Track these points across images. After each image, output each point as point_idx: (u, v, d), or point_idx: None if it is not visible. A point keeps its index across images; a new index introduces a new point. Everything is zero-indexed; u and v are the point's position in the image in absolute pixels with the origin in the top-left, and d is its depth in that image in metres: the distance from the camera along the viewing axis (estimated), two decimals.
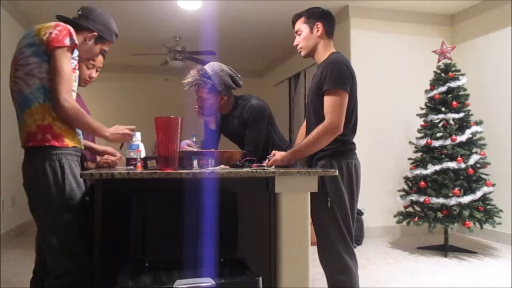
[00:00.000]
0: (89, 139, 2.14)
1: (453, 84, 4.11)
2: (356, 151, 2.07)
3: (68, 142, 1.67)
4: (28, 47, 1.66)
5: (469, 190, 3.90)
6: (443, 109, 4.19)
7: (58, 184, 1.62)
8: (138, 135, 2.14)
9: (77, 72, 1.79)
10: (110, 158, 2.07)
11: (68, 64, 1.67)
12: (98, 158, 2.15)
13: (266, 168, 1.93)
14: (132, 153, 2.05)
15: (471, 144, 4.02)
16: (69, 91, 1.65)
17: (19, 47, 1.70)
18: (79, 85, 2.06)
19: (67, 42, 1.65)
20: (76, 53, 1.75)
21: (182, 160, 1.83)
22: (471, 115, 4.11)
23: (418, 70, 4.90)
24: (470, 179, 3.94)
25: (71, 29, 1.70)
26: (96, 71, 2.13)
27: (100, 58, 2.08)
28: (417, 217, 4.04)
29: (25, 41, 1.68)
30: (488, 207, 3.91)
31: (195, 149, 2.35)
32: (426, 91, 4.32)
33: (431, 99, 4.25)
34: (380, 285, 3.11)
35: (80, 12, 1.87)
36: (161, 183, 1.66)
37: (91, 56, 1.92)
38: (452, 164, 3.90)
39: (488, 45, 4.73)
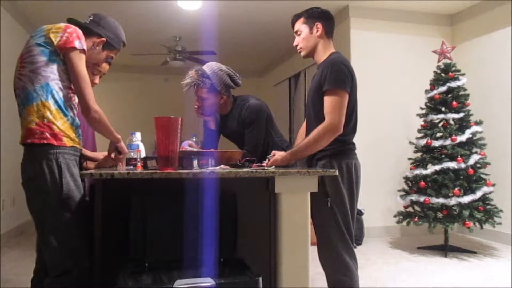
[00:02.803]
0: (88, 148, 2.14)
1: (453, 84, 4.11)
2: (356, 151, 2.07)
3: (67, 141, 1.67)
4: (36, 46, 1.68)
5: (469, 190, 3.90)
6: (443, 109, 4.19)
7: (56, 183, 1.62)
8: (138, 135, 2.15)
9: None
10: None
11: (85, 66, 1.72)
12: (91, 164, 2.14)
13: (266, 168, 1.93)
14: (132, 153, 2.05)
15: (471, 144, 4.02)
16: (93, 95, 1.73)
17: (27, 45, 1.72)
18: None
19: (77, 44, 1.69)
20: None
21: (182, 160, 1.83)
22: (471, 115, 4.11)
23: (418, 70, 4.90)
24: (470, 179, 3.94)
25: (80, 32, 1.73)
26: (100, 77, 2.14)
27: (106, 65, 2.11)
28: (417, 217, 4.04)
29: (34, 40, 1.70)
30: (488, 207, 3.90)
31: (195, 149, 2.35)
32: (426, 91, 4.32)
33: (431, 99, 4.25)
34: (380, 285, 3.11)
35: (91, 18, 1.91)
36: (161, 183, 1.66)
37: (96, 61, 1.95)
38: (452, 164, 3.90)
39: (488, 45, 4.73)
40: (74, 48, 1.68)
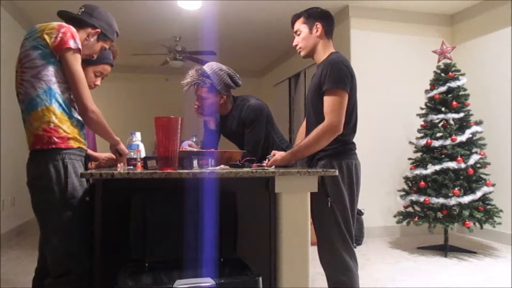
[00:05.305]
0: (90, 147, 2.15)
1: (453, 84, 4.11)
2: (356, 151, 2.08)
3: (73, 143, 1.68)
4: (33, 49, 1.66)
5: (469, 190, 3.90)
6: (443, 109, 4.19)
7: (61, 182, 1.63)
8: (138, 135, 2.15)
9: None
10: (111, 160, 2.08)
11: (80, 66, 1.71)
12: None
13: (266, 168, 1.93)
14: (132, 153, 2.05)
15: (471, 144, 4.02)
16: (90, 95, 1.72)
17: (23, 49, 1.70)
18: None
19: (72, 44, 1.67)
20: None
21: (182, 160, 1.83)
22: (471, 115, 4.11)
23: (418, 70, 4.90)
24: (470, 179, 3.94)
25: (74, 30, 1.71)
26: (102, 78, 2.14)
27: (108, 67, 2.10)
28: (417, 217, 4.04)
29: (29, 42, 1.68)
30: (488, 207, 3.90)
31: (195, 149, 2.35)
32: (426, 91, 4.32)
33: (431, 99, 4.25)
34: (380, 285, 3.11)
35: (83, 9, 1.87)
36: (161, 183, 1.66)
37: (91, 53, 1.91)
38: (452, 164, 3.90)
39: (488, 45, 4.73)
40: (69, 49, 1.66)
